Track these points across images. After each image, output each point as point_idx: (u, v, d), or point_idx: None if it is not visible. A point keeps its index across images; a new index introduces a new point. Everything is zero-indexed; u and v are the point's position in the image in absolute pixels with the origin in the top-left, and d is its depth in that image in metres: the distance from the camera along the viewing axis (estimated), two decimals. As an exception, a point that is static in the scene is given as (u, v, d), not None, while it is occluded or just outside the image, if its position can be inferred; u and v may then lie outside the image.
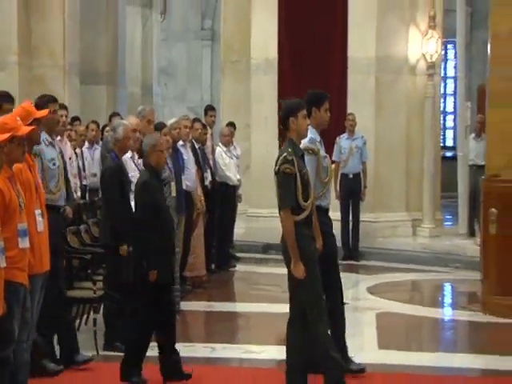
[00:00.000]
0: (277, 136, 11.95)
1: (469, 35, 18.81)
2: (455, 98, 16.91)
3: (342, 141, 11.04)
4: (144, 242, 5.56)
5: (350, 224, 10.95)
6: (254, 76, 12.04)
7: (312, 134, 5.63)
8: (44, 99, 5.90)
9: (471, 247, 10.48)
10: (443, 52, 14.23)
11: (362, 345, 6.81)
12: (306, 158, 5.38)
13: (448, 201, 13.75)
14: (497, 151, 8.31)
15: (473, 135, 12.18)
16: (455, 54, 15.76)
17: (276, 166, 5.06)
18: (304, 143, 5.47)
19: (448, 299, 9.55)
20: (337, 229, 11.00)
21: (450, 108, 21.33)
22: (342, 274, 10.12)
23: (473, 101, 15.56)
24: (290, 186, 4.99)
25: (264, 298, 8.57)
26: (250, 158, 11.90)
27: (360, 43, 11.49)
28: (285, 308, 8.01)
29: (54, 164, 5.93)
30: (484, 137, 11.43)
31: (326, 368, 5.00)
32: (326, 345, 4.99)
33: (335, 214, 10.99)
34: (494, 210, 7.55)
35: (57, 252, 5.64)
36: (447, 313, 8.60)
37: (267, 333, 7.34)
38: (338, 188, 10.97)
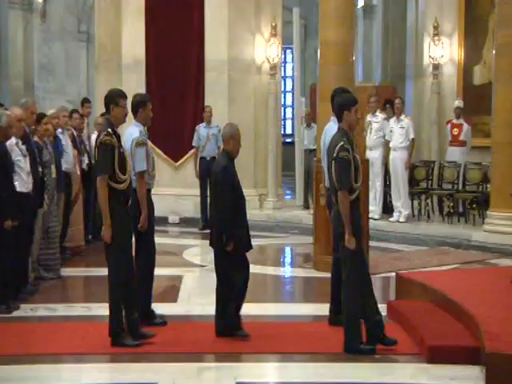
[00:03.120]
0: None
1: (303, 42, 19.28)
2: (293, 94, 17.23)
3: (201, 129, 11.02)
4: (224, 217, 5.30)
5: (208, 199, 10.94)
6: (125, 73, 11.86)
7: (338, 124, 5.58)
8: (145, 98, 5.84)
9: (306, 216, 10.76)
10: (283, 56, 14.44)
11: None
12: None
13: (287, 178, 14.05)
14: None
15: (304, 125, 12.49)
16: (292, 57, 16.04)
17: (334, 153, 4.99)
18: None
19: (288, 259, 9.76)
20: (197, 203, 11.08)
21: (288, 102, 21.78)
22: (200, 242, 10.30)
23: (306, 96, 15.95)
24: (347, 170, 4.95)
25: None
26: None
27: (215, 47, 11.50)
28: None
29: (152, 152, 5.85)
30: (313, 126, 11.75)
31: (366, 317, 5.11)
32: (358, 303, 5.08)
33: (196, 191, 11.01)
34: (323, 185, 7.74)
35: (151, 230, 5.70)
36: (287, 270, 8.79)
37: (137, 292, 7.22)
38: (197, 169, 10.96)
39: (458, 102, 11.35)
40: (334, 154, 5.00)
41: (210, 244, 5.56)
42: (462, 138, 11.18)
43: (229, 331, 5.41)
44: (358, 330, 5.11)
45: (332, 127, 5.81)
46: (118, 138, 5.24)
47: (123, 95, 5.32)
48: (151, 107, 5.80)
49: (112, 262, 5.29)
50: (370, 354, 5.07)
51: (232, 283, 5.44)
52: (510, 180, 6.62)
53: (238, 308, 5.48)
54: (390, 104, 10.93)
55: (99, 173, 5.16)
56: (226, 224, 5.32)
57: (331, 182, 5.14)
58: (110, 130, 5.18)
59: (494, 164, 9.20)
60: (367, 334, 5.17)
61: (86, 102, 10.34)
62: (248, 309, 6.17)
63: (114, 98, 5.27)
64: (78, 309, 6.34)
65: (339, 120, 5.19)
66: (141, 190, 5.62)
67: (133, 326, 5.27)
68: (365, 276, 5.15)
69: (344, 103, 5.16)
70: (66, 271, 7.70)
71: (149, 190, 5.78)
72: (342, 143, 5.00)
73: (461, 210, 10.63)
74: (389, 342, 5.15)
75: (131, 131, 5.74)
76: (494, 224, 9.03)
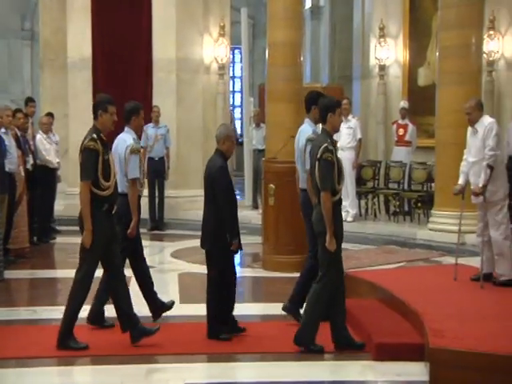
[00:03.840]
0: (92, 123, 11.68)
1: (251, 43, 19.31)
2: (241, 94, 17.27)
3: (149, 129, 10.93)
4: (226, 216, 5.33)
5: (157, 199, 10.89)
6: (71, 72, 11.69)
7: (312, 126, 5.77)
8: (138, 105, 5.88)
9: (255, 216, 10.77)
10: (231, 56, 14.45)
11: (165, 300, 6.78)
12: (310, 147, 5.48)
13: (236, 179, 14.02)
14: (274, 138, 8.58)
15: (253, 125, 12.51)
16: (241, 58, 16.07)
17: (318, 154, 5.01)
18: (309, 135, 5.63)
19: (236, 259, 9.72)
20: (145, 204, 10.97)
21: (237, 102, 21.78)
22: (148, 243, 10.20)
23: (255, 97, 16.00)
24: (331, 171, 4.99)
25: (81, 264, 8.31)
26: (68, 143, 11.58)
27: (163, 47, 11.43)
28: (98, 273, 7.77)
29: (142, 160, 6.01)
30: (262, 126, 11.78)
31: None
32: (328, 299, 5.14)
33: (144, 191, 10.89)
34: (272, 185, 7.77)
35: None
36: (236, 270, 8.75)
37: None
38: (145, 169, 10.85)
39: (404, 103, 11.56)
40: (318, 155, 5.05)
41: (202, 245, 5.57)
42: (407, 138, 11.39)
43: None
44: (316, 330, 5.14)
45: (306, 129, 5.90)
46: (105, 144, 5.22)
47: (112, 102, 5.30)
48: (143, 115, 5.89)
49: (83, 266, 5.27)
50: (319, 353, 5.11)
51: (223, 283, 5.49)
52: (453, 179, 6.77)
53: (231, 309, 5.54)
54: (338, 104, 11.02)
55: (82, 178, 5.14)
56: (228, 223, 5.35)
57: (314, 182, 5.17)
58: (95, 135, 5.15)
59: (438, 164, 9.39)
60: (337, 337, 5.18)
61: (30, 101, 10.15)
62: (196, 309, 6.18)
63: (103, 103, 5.26)
64: (22, 312, 6.20)
65: (323, 122, 5.22)
66: (132, 196, 5.71)
67: (132, 323, 5.25)
68: (340, 278, 5.20)
69: (329, 105, 5.21)
70: (10, 274, 7.53)
71: (138, 197, 5.86)
72: (326, 145, 5.04)
73: (406, 209, 10.82)
74: (358, 345, 5.19)
75: (124, 138, 5.82)
76: (438, 223, 9.22)
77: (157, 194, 10.87)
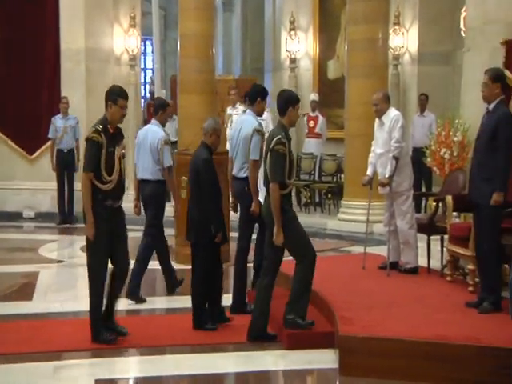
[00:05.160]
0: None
1: (163, 33, 19.09)
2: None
3: (57, 121, 10.65)
4: (211, 209, 5.40)
5: (66, 192, 10.59)
6: (-29, 60, 11.20)
7: (255, 118, 5.83)
8: (166, 103, 6.63)
9: (168, 209, 10.62)
10: (143, 47, 14.22)
11: (75, 295, 6.62)
12: (256, 137, 5.65)
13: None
14: (186, 129, 8.51)
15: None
16: (152, 49, 15.83)
17: (270, 145, 4.99)
18: (256, 126, 5.69)
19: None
20: (54, 197, 10.65)
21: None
22: (58, 237, 9.91)
23: (167, 88, 15.82)
24: (281, 164, 4.96)
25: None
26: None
27: (71, 37, 11.13)
28: (6, 269, 7.48)
29: None
30: (174, 117, 11.66)
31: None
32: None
33: (53, 185, 10.59)
34: (184, 178, 7.68)
35: None
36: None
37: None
38: (54, 161, 10.57)
39: (314, 96, 11.72)
40: (271, 147, 5.06)
41: (188, 237, 5.55)
42: (317, 130, 11.56)
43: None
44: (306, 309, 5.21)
45: (251, 120, 5.89)
46: (111, 136, 5.01)
47: (123, 95, 5.09)
48: (169, 112, 6.65)
49: (89, 259, 5.18)
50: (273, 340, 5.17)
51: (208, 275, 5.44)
52: (361, 171, 6.91)
53: (219, 301, 5.54)
54: (250, 97, 11.03)
55: (83, 169, 5.03)
56: (214, 215, 5.40)
57: (266, 173, 5.14)
58: (100, 127, 4.97)
59: (347, 155, 9.58)
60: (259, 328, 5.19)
61: None
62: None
63: (113, 95, 5.07)
64: None
65: (282, 115, 5.18)
66: (172, 182, 6.58)
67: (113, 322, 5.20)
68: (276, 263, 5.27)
69: (290, 100, 5.19)
70: None
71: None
72: (279, 137, 5.04)
73: (317, 199, 10.99)
74: (270, 337, 5.22)
75: (155, 129, 6.44)
76: (347, 213, 9.41)
77: (66, 187, 10.58)
